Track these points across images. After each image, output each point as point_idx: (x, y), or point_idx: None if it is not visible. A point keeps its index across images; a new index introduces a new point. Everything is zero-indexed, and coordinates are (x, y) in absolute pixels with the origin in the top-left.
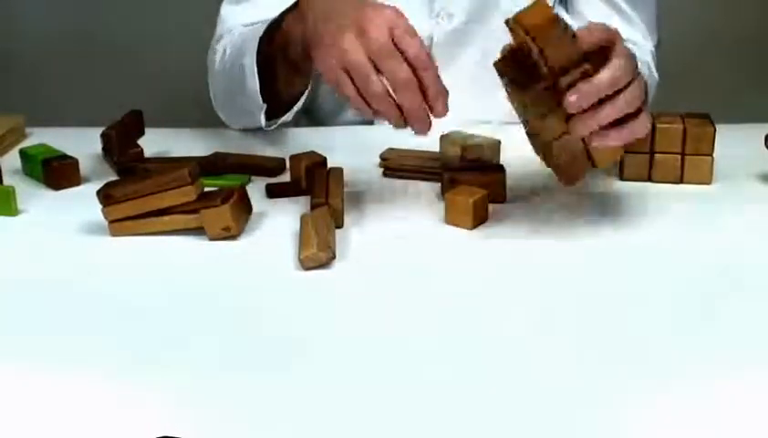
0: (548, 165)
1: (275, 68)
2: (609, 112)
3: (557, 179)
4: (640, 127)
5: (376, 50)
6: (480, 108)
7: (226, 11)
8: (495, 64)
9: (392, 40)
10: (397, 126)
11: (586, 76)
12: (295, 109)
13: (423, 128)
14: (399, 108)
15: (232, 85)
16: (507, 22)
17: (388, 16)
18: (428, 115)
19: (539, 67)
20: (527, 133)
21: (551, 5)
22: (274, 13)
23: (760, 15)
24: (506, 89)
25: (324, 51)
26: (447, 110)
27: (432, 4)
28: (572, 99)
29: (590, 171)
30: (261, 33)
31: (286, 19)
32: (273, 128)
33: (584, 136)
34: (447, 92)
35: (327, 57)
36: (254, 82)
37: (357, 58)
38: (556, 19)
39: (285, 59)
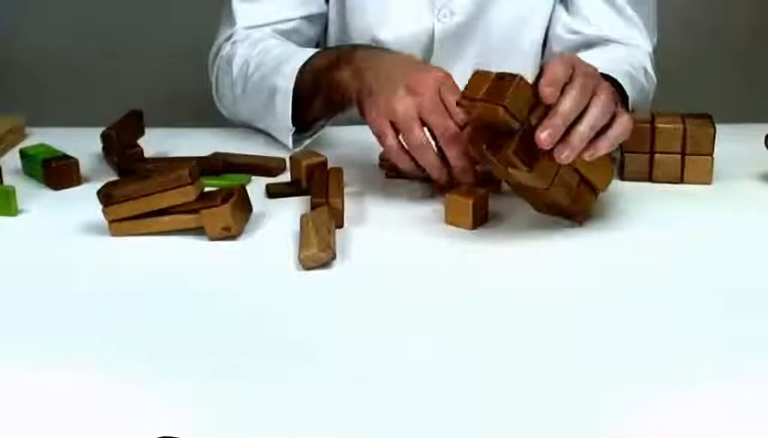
0: (554, 215)
1: (311, 101)
2: (584, 130)
3: (572, 221)
4: (621, 128)
5: (424, 106)
6: None
7: (237, 8)
8: (474, 148)
9: (440, 98)
10: (437, 178)
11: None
12: (321, 130)
13: (467, 178)
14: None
15: (254, 99)
16: (458, 103)
17: (438, 77)
18: (469, 174)
19: (508, 126)
20: (524, 195)
21: (551, 4)
22: (288, 12)
23: (760, 15)
24: (492, 164)
25: (375, 105)
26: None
27: (434, 1)
28: (543, 135)
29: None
30: (300, 64)
31: (341, 72)
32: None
33: (573, 159)
34: None
35: (377, 111)
36: (286, 108)
37: (404, 111)
38: (501, 76)
39: (327, 100)
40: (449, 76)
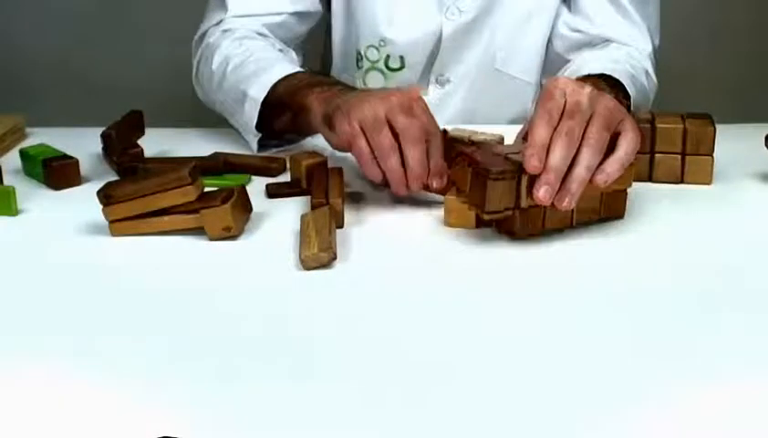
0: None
1: (279, 115)
2: (579, 172)
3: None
4: (629, 145)
5: (394, 106)
6: (485, 101)
7: None
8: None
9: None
10: (396, 187)
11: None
12: (288, 145)
13: (414, 186)
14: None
15: (227, 97)
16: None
17: (409, 92)
18: (421, 181)
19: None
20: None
21: (557, 2)
22: (277, 6)
23: (760, 14)
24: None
25: (344, 115)
26: (442, 186)
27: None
28: (540, 194)
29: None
30: (275, 79)
31: (311, 98)
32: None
33: (574, 205)
34: (446, 172)
35: (347, 118)
36: (253, 116)
37: (373, 112)
38: (475, 169)
39: (294, 119)
40: (420, 97)
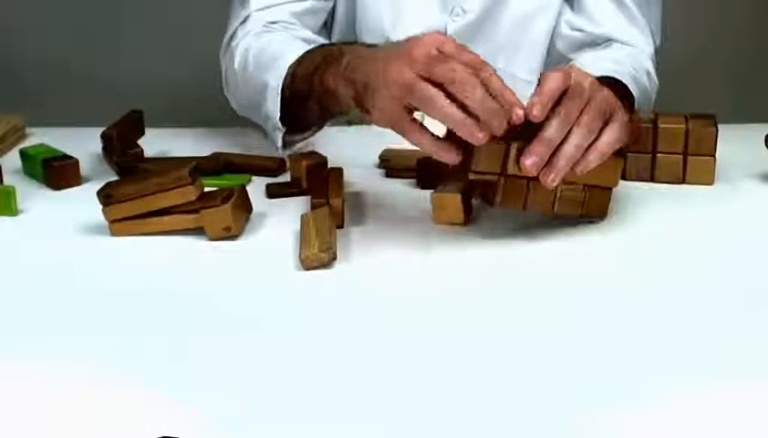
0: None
1: (305, 104)
2: (568, 150)
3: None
4: (612, 136)
5: (420, 61)
6: None
7: None
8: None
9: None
10: (470, 132)
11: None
12: (312, 135)
13: (499, 124)
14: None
15: (249, 93)
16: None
17: (430, 38)
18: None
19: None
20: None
21: (560, 0)
22: None
23: (759, 14)
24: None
25: (376, 92)
26: (523, 113)
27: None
28: (528, 163)
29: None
30: (291, 61)
31: (332, 80)
32: (288, 151)
33: (559, 182)
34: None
35: (380, 96)
36: (275, 106)
37: (401, 76)
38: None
39: (321, 105)
40: (444, 35)
